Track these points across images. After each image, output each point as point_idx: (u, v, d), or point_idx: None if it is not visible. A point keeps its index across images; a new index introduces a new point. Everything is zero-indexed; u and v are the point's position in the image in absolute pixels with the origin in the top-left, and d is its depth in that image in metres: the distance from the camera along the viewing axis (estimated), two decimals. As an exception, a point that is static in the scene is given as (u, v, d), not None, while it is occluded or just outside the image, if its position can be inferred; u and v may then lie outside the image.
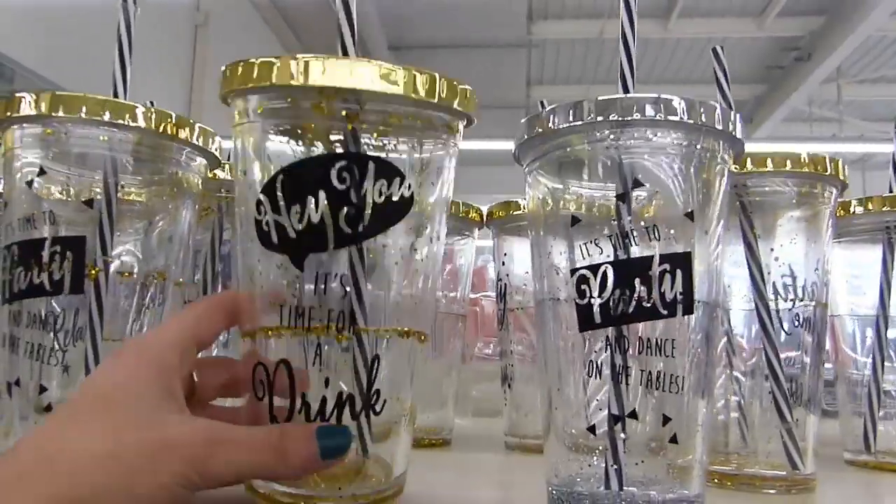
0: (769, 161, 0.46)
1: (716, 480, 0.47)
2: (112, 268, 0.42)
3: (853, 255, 0.62)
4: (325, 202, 0.33)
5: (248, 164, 0.36)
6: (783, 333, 0.49)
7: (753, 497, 0.45)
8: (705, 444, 0.38)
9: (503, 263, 0.62)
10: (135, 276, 0.44)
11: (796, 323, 0.49)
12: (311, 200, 0.33)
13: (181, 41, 3.23)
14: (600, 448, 0.37)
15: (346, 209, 0.33)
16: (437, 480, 0.47)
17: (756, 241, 0.48)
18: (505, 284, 0.62)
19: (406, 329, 0.36)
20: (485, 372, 0.83)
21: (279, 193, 0.33)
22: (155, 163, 0.45)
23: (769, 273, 0.49)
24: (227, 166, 0.53)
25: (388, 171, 0.34)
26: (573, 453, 0.38)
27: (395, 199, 0.34)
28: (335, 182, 0.33)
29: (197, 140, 0.45)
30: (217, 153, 0.47)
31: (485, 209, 0.64)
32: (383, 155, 0.34)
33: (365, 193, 0.33)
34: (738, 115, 0.38)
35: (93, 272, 0.40)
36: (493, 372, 0.85)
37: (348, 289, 0.34)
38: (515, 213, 0.61)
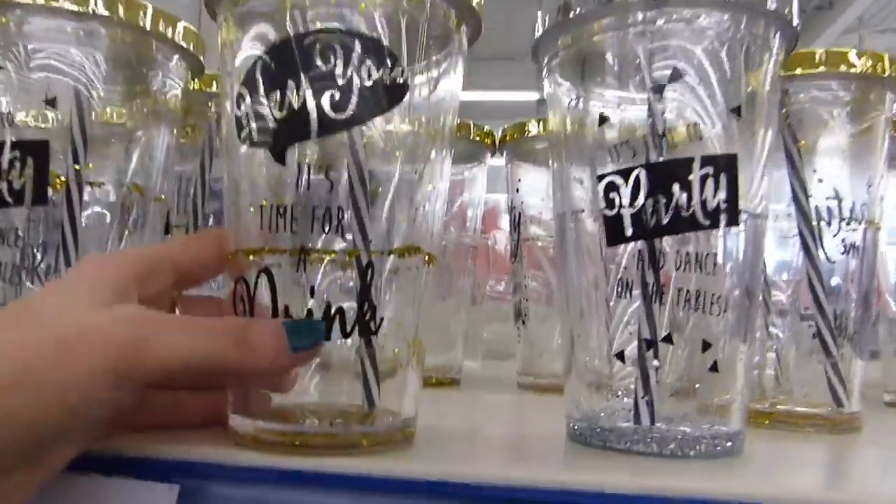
0: (819, 61, 0.40)
1: (750, 418, 0.42)
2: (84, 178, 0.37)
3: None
4: (307, 85, 0.28)
5: (229, 58, 0.31)
6: (826, 262, 0.45)
7: (793, 436, 0.41)
8: (748, 375, 0.33)
9: (517, 191, 0.57)
10: (109, 188, 0.39)
11: (842, 249, 0.44)
12: (292, 85, 0.28)
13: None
14: (628, 379, 0.33)
15: (329, 92, 0.28)
16: (446, 418, 0.43)
17: (800, 155, 0.43)
18: (519, 213, 0.57)
19: (407, 245, 0.31)
20: (497, 312, 0.79)
21: (258, 80, 0.29)
22: (129, 60, 0.40)
23: (811, 196, 0.44)
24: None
25: (377, 51, 0.29)
26: (598, 385, 0.34)
27: (386, 83, 0.29)
28: (318, 62, 0.28)
29: (180, 39, 0.40)
30: (202, 59, 0.43)
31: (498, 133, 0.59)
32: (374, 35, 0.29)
33: (351, 74, 0.29)
34: (795, 1, 0.33)
35: (58, 182, 0.36)
36: (506, 312, 0.81)
37: (336, 182, 0.29)
38: (531, 135, 0.56)
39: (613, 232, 0.32)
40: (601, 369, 0.34)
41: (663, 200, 0.31)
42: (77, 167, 0.36)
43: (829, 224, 0.45)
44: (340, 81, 0.28)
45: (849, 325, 0.44)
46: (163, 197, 0.42)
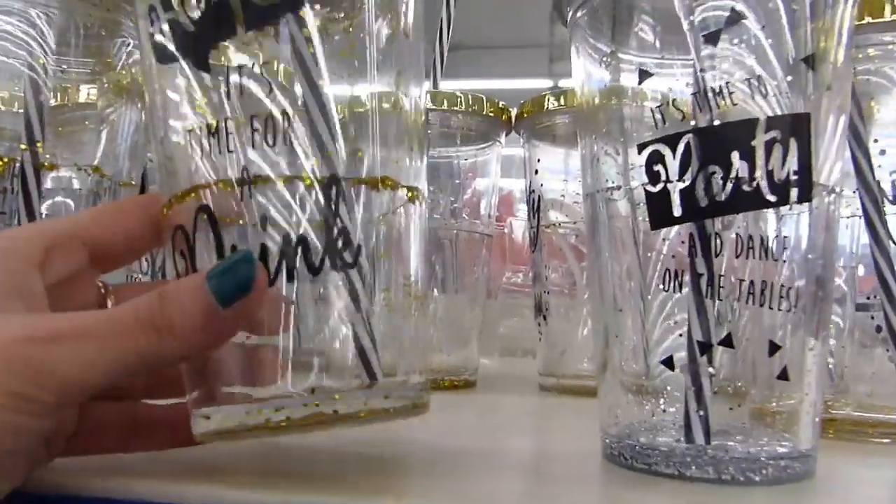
0: (893, 7, 0.34)
1: (833, 430, 0.37)
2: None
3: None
4: None
5: None
6: (892, 245, 0.39)
7: (863, 448, 0.35)
8: (822, 383, 0.28)
9: (535, 173, 0.52)
10: (71, 173, 0.35)
11: (910, 230, 0.39)
12: None
13: None
14: (675, 385, 0.27)
15: None
16: (459, 426, 0.38)
17: (864, 124, 0.37)
18: (538, 198, 0.51)
19: (383, 178, 0.25)
20: (513, 306, 0.73)
21: None
22: (91, 29, 0.35)
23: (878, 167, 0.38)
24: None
25: None
26: (638, 395, 0.29)
27: None
28: None
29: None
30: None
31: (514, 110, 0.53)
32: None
33: None
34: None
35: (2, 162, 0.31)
36: (523, 306, 0.75)
37: (273, 80, 0.23)
38: (550, 110, 0.50)
39: (659, 212, 0.26)
40: (642, 374, 0.29)
41: (720, 172, 0.25)
42: (25, 147, 0.32)
43: (893, 202, 0.39)
44: None
45: (921, 314, 0.38)
46: (132, 182, 0.37)
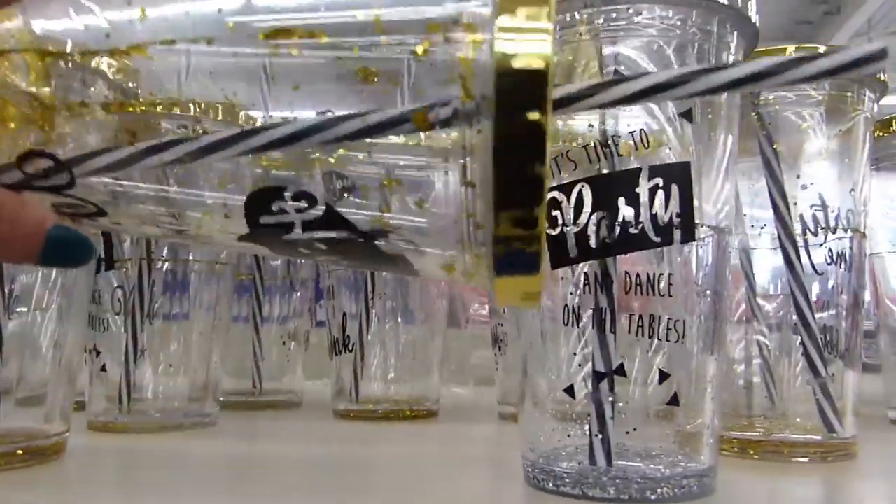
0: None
1: (736, 449, 0.39)
2: None
3: (893, 184, 0.53)
4: None
5: None
6: (814, 273, 0.41)
7: (783, 467, 0.37)
8: (716, 405, 0.30)
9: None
10: None
11: (829, 259, 0.41)
12: None
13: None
14: (585, 415, 0.29)
15: None
16: (414, 454, 0.41)
17: (777, 161, 0.40)
18: (491, 234, 0.54)
19: None
20: (485, 336, 0.76)
21: None
22: None
23: (795, 203, 0.41)
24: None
25: None
26: (553, 422, 0.31)
27: None
28: None
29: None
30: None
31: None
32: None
33: None
34: (750, -8, 0.30)
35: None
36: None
37: None
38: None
39: (557, 253, 0.29)
40: (555, 403, 0.31)
41: (609, 217, 0.28)
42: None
43: (815, 234, 0.41)
44: None
45: (839, 340, 0.41)
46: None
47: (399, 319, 0.56)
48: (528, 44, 0.15)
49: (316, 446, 0.45)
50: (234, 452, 0.43)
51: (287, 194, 0.19)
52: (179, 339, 0.51)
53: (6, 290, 0.38)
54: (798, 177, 0.41)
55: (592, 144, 0.28)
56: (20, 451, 0.35)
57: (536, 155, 0.15)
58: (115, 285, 0.49)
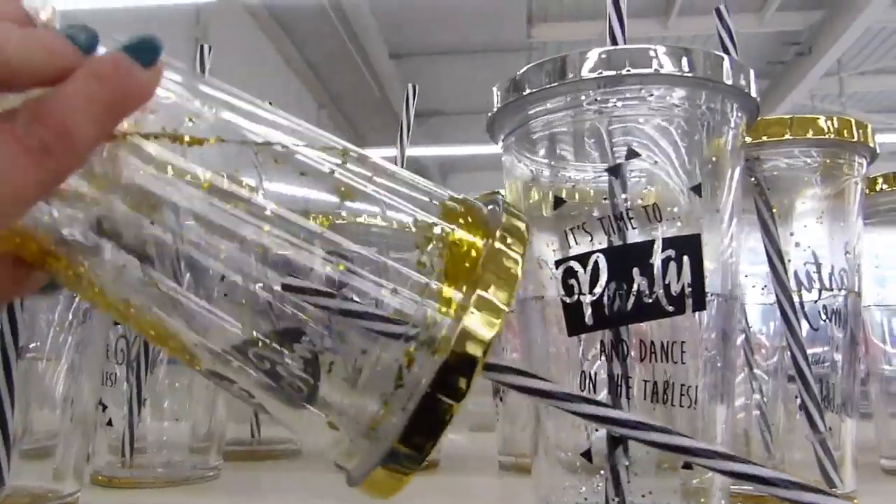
0: (786, 127, 0.39)
1: (739, 502, 0.40)
2: None
3: (880, 238, 0.56)
4: None
5: None
6: (809, 329, 0.43)
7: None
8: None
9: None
10: None
11: (824, 316, 0.43)
12: None
13: (181, 54, 3.17)
14: (600, 474, 0.30)
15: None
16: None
17: (774, 222, 0.42)
18: (492, 286, 0.55)
19: None
20: (481, 384, 0.76)
21: None
22: None
23: (790, 261, 0.43)
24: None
25: None
26: (567, 479, 0.32)
27: None
28: None
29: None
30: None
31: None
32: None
33: None
34: (751, 71, 0.32)
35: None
36: (488, 383, 0.78)
37: None
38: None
39: (574, 321, 0.30)
40: (569, 459, 0.32)
41: (624, 287, 0.29)
42: None
43: (809, 290, 0.43)
44: None
45: (836, 394, 0.42)
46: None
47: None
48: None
49: (318, 498, 0.45)
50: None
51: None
52: (183, 387, 0.51)
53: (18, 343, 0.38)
54: (792, 234, 0.43)
55: (608, 217, 0.30)
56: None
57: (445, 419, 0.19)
58: (120, 334, 0.50)
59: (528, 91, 0.32)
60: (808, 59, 4.48)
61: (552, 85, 0.31)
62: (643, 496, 0.29)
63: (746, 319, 0.45)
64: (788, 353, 0.42)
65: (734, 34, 0.42)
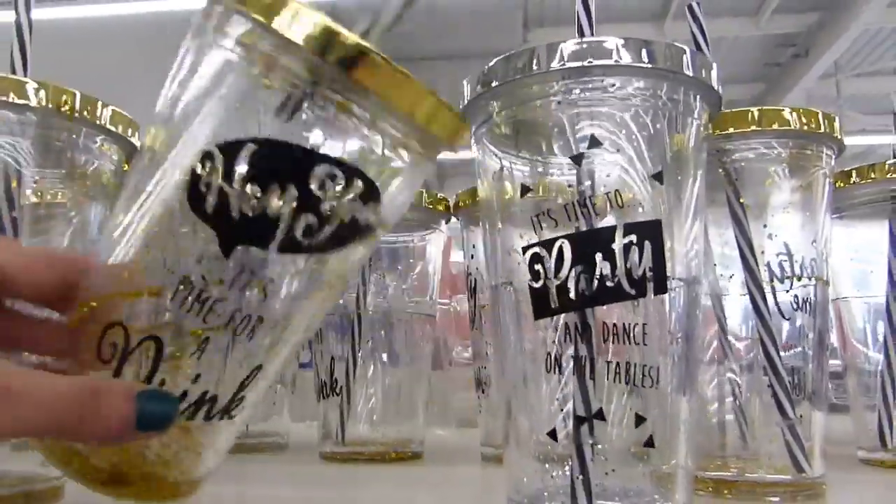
0: (752, 119, 0.40)
1: (710, 489, 0.41)
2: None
3: (856, 232, 0.57)
4: (294, 199, 0.26)
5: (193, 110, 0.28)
6: (781, 318, 0.44)
7: (753, 507, 0.39)
8: (690, 447, 0.32)
9: (472, 257, 0.57)
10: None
11: (795, 305, 0.43)
12: (277, 190, 0.26)
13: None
14: (566, 456, 0.31)
15: (309, 216, 0.26)
16: (402, 497, 0.42)
17: (744, 213, 0.43)
18: (475, 279, 0.56)
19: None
20: (465, 378, 0.77)
21: (243, 163, 0.26)
22: (59, 150, 0.40)
23: (762, 252, 0.44)
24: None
25: (370, 194, 0.27)
26: (537, 464, 0.33)
27: (360, 223, 0.28)
28: (312, 184, 0.26)
29: (111, 125, 0.40)
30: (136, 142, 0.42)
31: (452, 199, 0.58)
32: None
33: (337, 207, 0.27)
34: (713, 64, 0.33)
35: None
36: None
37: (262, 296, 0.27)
38: (482, 200, 0.55)
39: (540, 305, 0.31)
40: (538, 445, 0.33)
41: (588, 271, 0.30)
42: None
43: (781, 280, 0.44)
44: (325, 210, 0.26)
45: (807, 381, 0.43)
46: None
47: (385, 362, 0.58)
48: None
49: (305, 489, 0.46)
50: (223, 495, 0.44)
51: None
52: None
53: None
54: (765, 226, 0.44)
55: (572, 203, 0.31)
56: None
57: None
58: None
59: (495, 83, 0.33)
60: (805, 62, 4.49)
61: (518, 77, 0.32)
62: (606, 474, 0.30)
63: (723, 313, 0.46)
64: (760, 342, 0.43)
65: (706, 31, 0.43)
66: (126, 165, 0.44)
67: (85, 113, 0.38)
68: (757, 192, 0.43)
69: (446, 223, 0.59)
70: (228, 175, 0.26)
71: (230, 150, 0.26)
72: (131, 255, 0.28)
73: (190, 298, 0.27)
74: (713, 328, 0.46)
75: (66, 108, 0.38)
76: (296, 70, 0.26)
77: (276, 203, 0.26)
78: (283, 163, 0.26)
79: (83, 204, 0.41)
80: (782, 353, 0.43)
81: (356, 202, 0.27)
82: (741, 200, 0.42)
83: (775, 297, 0.44)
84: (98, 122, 0.39)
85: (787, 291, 0.44)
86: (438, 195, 0.57)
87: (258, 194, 0.26)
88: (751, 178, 0.43)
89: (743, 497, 0.40)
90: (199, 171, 0.26)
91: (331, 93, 0.26)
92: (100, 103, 0.39)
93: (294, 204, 0.26)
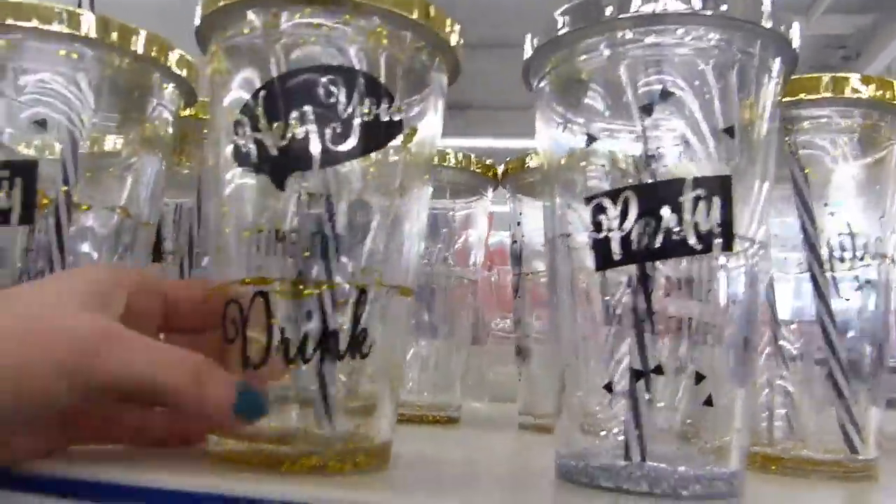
0: (825, 86, 0.39)
1: (757, 464, 0.40)
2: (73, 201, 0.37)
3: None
4: (311, 117, 0.29)
5: (220, 87, 0.32)
6: (840, 299, 0.42)
7: (803, 483, 0.38)
8: (747, 410, 0.31)
9: (518, 224, 0.56)
10: (99, 213, 0.39)
11: (856, 286, 0.42)
12: (295, 116, 0.29)
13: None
14: (621, 414, 0.31)
15: (332, 125, 0.29)
16: (439, 453, 0.42)
17: (808, 186, 0.41)
18: (521, 247, 0.56)
19: (390, 278, 0.32)
20: (502, 353, 0.76)
21: (260, 110, 0.30)
22: (121, 86, 0.40)
23: (822, 230, 0.42)
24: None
25: (376, 88, 0.30)
26: (589, 420, 0.32)
27: (383, 119, 0.30)
28: (322, 96, 0.29)
29: (174, 66, 0.40)
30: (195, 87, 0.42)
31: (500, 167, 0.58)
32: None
33: (353, 110, 0.30)
34: (795, 22, 0.32)
35: (44, 202, 0.36)
36: (511, 353, 0.78)
37: (328, 212, 0.30)
38: (531, 167, 0.54)
39: (602, 256, 0.30)
40: (592, 404, 0.32)
41: (653, 223, 0.29)
42: (65, 189, 0.36)
43: (841, 260, 0.43)
44: (342, 116, 0.29)
45: (863, 366, 0.42)
46: (151, 223, 0.41)
47: (425, 330, 0.57)
48: None
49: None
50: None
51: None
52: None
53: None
54: (826, 204, 0.42)
55: (639, 155, 0.30)
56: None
57: None
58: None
59: (562, 31, 0.32)
60: (856, 64, 4.38)
61: (589, 25, 0.31)
62: (662, 430, 0.30)
63: (774, 293, 0.45)
64: (818, 324, 0.42)
65: None
66: (186, 112, 0.44)
67: (151, 53, 0.38)
68: (821, 167, 0.42)
69: (493, 190, 0.59)
70: (254, 125, 0.30)
71: (249, 106, 0.30)
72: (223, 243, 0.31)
73: (271, 246, 0.30)
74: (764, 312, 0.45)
75: (133, 46, 0.38)
76: None
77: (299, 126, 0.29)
78: (288, 91, 0.29)
79: (139, 154, 0.41)
80: (841, 336, 0.41)
81: (368, 100, 0.30)
82: (806, 171, 0.40)
83: (834, 277, 0.42)
84: (165, 63, 0.39)
85: (849, 271, 0.42)
86: (487, 161, 0.57)
87: (282, 126, 0.29)
88: (816, 150, 0.41)
89: (790, 474, 0.39)
90: (236, 138, 0.30)
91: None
92: (167, 43, 0.39)
93: (313, 120, 0.29)
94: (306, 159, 0.29)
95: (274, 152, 0.29)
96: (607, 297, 0.31)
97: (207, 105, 0.48)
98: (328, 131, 0.30)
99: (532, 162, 0.54)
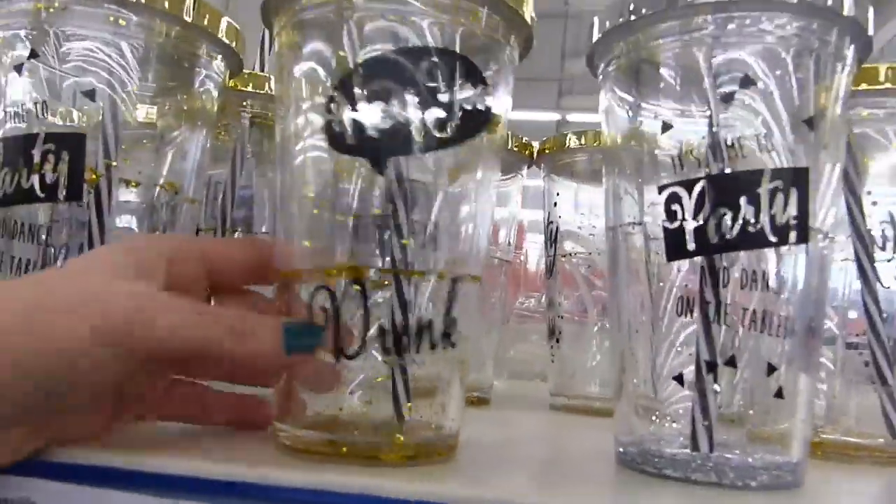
0: (885, 76, 0.38)
1: (819, 452, 0.40)
2: (116, 175, 0.36)
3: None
4: (416, 100, 0.28)
5: (289, 63, 0.31)
6: (881, 288, 0.42)
7: (848, 468, 0.38)
8: (810, 402, 0.31)
9: (554, 205, 0.56)
10: (142, 185, 0.38)
11: (896, 275, 0.42)
12: (397, 97, 0.28)
13: None
14: (682, 402, 0.31)
15: (434, 109, 0.29)
16: (482, 437, 0.41)
17: (858, 175, 0.41)
18: (556, 228, 0.55)
19: (461, 265, 0.31)
20: (524, 331, 0.77)
21: (358, 90, 0.29)
22: (169, 55, 0.38)
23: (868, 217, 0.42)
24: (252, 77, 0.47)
25: (473, 75, 0.30)
26: (650, 409, 0.32)
27: (479, 106, 0.30)
28: (425, 79, 0.28)
29: (223, 35, 0.39)
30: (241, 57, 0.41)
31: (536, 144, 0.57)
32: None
33: (454, 95, 0.29)
34: (870, 7, 0.31)
35: (93, 177, 0.35)
36: (532, 331, 0.79)
37: (405, 197, 0.29)
38: (570, 147, 0.54)
39: (674, 246, 0.30)
40: (654, 391, 0.32)
41: (729, 214, 0.29)
42: (108, 162, 0.35)
43: (883, 249, 0.43)
44: (443, 100, 0.29)
45: (906, 353, 0.42)
46: (194, 198, 0.41)
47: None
48: None
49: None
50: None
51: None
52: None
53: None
54: (869, 193, 0.42)
55: (716, 144, 0.30)
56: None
57: None
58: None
59: (637, 14, 0.31)
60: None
61: (665, 9, 0.31)
62: (732, 421, 0.30)
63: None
64: (861, 308, 0.42)
65: None
66: (229, 83, 0.43)
67: (202, 21, 0.37)
68: (871, 154, 0.42)
69: (528, 168, 0.58)
70: (352, 105, 0.28)
71: (344, 85, 0.29)
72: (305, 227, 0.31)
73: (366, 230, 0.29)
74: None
75: (183, 13, 0.37)
76: None
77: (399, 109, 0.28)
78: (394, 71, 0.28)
79: (184, 127, 0.40)
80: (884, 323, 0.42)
81: (468, 84, 0.29)
82: (857, 164, 0.40)
83: (874, 266, 0.43)
84: (215, 32, 0.38)
85: (889, 261, 0.42)
86: (524, 139, 0.56)
87: (383, 106, 0.28)
88: (869, 139, 0.41)
89: (832, 458, 0.39)
90: (328, 116, 0.29)
91: None
92: (217, 12, 0.38)
93: (417, 102, 0.28)
94: (407, 143, 0.29)
95: (374, 133, 0.29)
96: (676, 287, 0.31)
97: (245, 77, 0.48)
98: (429, 115, 0.29)
99: (572, 142, 0.53)
